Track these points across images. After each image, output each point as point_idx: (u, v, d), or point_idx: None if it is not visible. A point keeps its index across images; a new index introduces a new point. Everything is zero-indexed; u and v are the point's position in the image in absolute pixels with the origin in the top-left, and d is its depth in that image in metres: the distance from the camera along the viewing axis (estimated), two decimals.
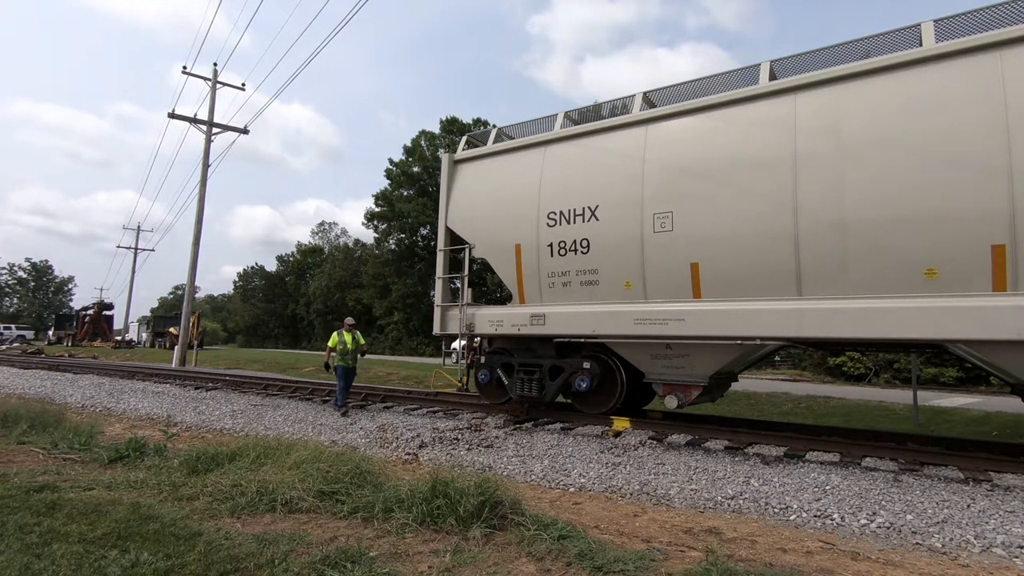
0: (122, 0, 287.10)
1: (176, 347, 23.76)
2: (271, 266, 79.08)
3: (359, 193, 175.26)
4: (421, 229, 45.02)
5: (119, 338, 48.10)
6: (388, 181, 46.81)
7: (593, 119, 8.35)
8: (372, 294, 48.49)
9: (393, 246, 47.61)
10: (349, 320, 10.38)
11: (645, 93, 7.79)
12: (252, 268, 79.99)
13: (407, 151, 46.16)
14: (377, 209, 47.50)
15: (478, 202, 9.09)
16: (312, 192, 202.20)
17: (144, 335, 51.48)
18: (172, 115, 23.13)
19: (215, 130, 23.58)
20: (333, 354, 9.92)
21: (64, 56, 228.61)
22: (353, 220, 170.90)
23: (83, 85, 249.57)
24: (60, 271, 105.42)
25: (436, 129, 45.45)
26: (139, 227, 51.76)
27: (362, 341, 10.26)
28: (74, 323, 50.74)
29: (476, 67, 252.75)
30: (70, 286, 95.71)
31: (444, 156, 9.71)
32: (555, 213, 7.98)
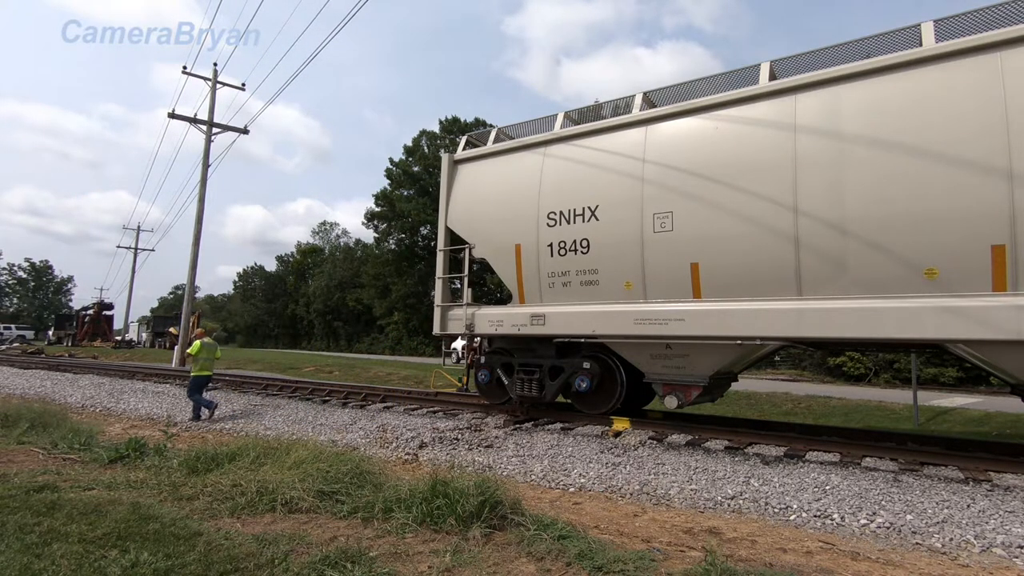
0: (97, 3, 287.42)
1: (176, 347, 23.77)
2: (270, 266, 79.24)
3: (349, 193, 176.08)
4: (421, 229, 45.05)
5: (119, 338, 48.11)
6: (388, 181, 46.86)
7: (593, 119, 8.34)
8: (372, 294, 48.51)
9: (393, 246, 47.64)
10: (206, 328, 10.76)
11: (645, 93, 7.78)
12: (252, 268, 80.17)
13: (407, 151, 46.20)
14: (377, 209, 47.53)
15: (478, 202, 9.09)
16: (303, 192, 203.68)
17: (144, 335, 51.50)
18: (172, 115, 23.13)
19: (215, 130, 23.58)
20: (201, 361, 9.82)
21: (47, 58, 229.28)
22: (345, 220, 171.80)
23: (69, 86, 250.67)
24: (60, 271, 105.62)
25: (436, 128, 45.49)
26: (139, 227, 51.77)
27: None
28: (74, 323, 50.75)
29: (458, 68, 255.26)
30: (69, 286, 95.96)
31: (444, 156, 9.71)
32: (555, 213, 7.98)
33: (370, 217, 48.58)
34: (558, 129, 8.38)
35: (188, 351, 9.90)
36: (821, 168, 6.04)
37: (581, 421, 8.13)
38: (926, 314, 5.45)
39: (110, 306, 51.03)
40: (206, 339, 10.13)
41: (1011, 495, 4.90)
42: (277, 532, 4.03)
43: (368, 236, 55.93)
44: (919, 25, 5.91)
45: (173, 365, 21.22)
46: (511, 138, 9.27)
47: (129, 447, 6.48)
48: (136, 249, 51.33)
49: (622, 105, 8.25)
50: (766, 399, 13.00)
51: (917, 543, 4.20)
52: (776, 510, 4.92)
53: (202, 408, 9.82)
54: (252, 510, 4.55)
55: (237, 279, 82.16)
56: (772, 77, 6.70)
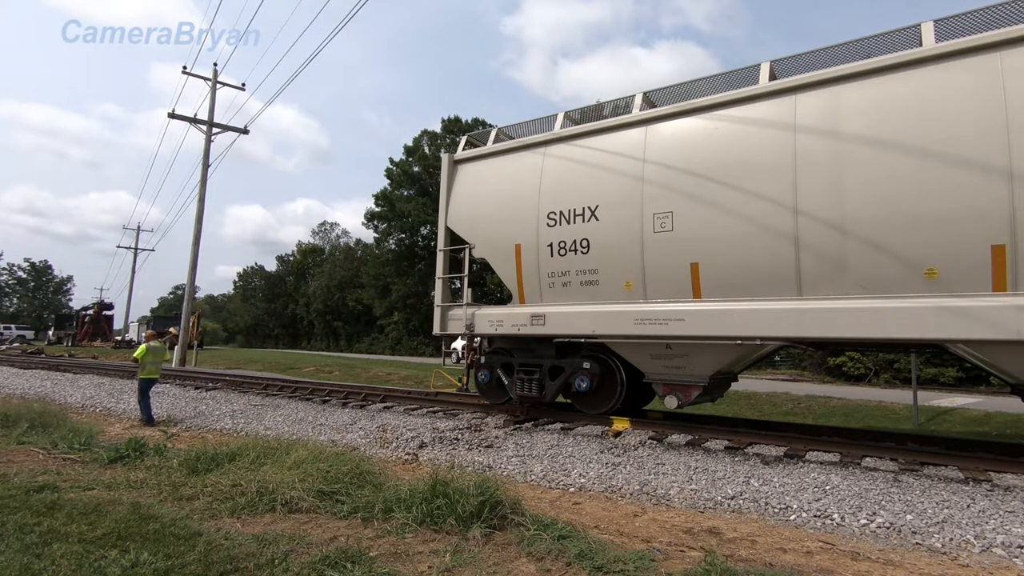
0: (97, 3, 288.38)
1: (176, 347, 23.76)
2: (270, 266, 79.28)
3: (349, 193, 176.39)
4: (421, 229, 45.05)
5: (119, 338, 48.12)
6: (388, 181, 46.87)
7: (594, 119, 8.34)
8: (372, 294, 48.51)
9: (393, 246, 47.65)
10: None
11: (645, 93, 7.78)
12: (252, 268, 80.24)
13: (407, 151, 46.20)
14: (377, 209, 47.53)
15: (478, 202, 9.09)
16: (302, 192, 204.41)
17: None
18: (172, 115, 23.15)
19: (215, 130, 23.59)
20: (148, 365, 9.77)
21: (46, 58, 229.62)
22: (345, 220, 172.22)
23: (69, 86, 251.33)
24: (59, 271, 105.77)
25: (437, 128, 45.49)
26: (139, 227, 51.78)
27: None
28: (74, 323, 50.78)
29: (456, 68, 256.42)
30: (69, 286, 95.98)
31: (444, 156, 9.71)
32: (555, 213, 7.98)
33: (370, 217, 48.59)
34: (558, 129, 8.38)
35: (134, 355, 9.90)
36: (821, 168, 6.04)
37: (581, 421, 8.13)
38: (926, 314, 5.45)
39: (110, 306, 51.07)
40: (152, 343, 10.22)
41: (1011, 495, 4.90)
42: (277, 532, 4.03)
43: (368, 236, 56.01)
44: (919, 25, 5.91)
45: (173, 365, 21.22)
46: (511, 138, 9.27)
47: (129, 447, 6.48)
48: (136, 249, 51.36)
49: (622, 105, 8.25)
50: (766, 399, 13.00)
51: (917, 543, 4.20)
52: (776, 510, 4.92)
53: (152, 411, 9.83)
54: (252, 510, 4.55)
55: (237, 279, 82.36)
56: (772, 77, 6.70)
